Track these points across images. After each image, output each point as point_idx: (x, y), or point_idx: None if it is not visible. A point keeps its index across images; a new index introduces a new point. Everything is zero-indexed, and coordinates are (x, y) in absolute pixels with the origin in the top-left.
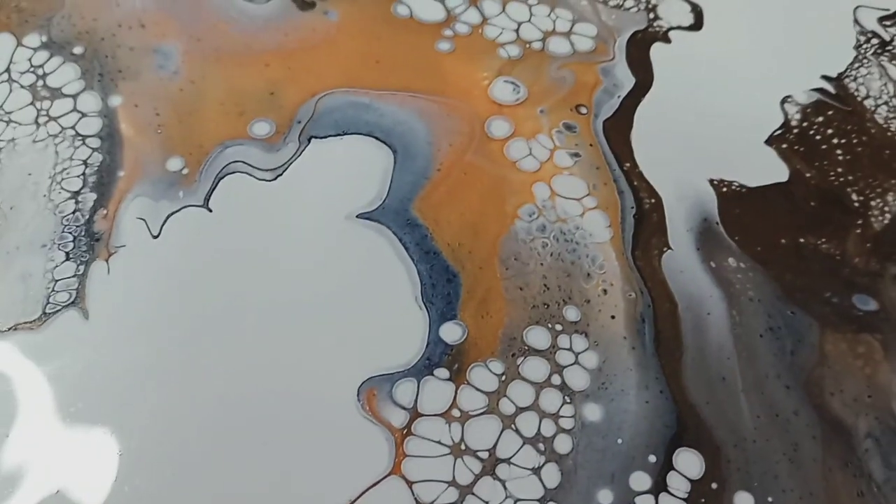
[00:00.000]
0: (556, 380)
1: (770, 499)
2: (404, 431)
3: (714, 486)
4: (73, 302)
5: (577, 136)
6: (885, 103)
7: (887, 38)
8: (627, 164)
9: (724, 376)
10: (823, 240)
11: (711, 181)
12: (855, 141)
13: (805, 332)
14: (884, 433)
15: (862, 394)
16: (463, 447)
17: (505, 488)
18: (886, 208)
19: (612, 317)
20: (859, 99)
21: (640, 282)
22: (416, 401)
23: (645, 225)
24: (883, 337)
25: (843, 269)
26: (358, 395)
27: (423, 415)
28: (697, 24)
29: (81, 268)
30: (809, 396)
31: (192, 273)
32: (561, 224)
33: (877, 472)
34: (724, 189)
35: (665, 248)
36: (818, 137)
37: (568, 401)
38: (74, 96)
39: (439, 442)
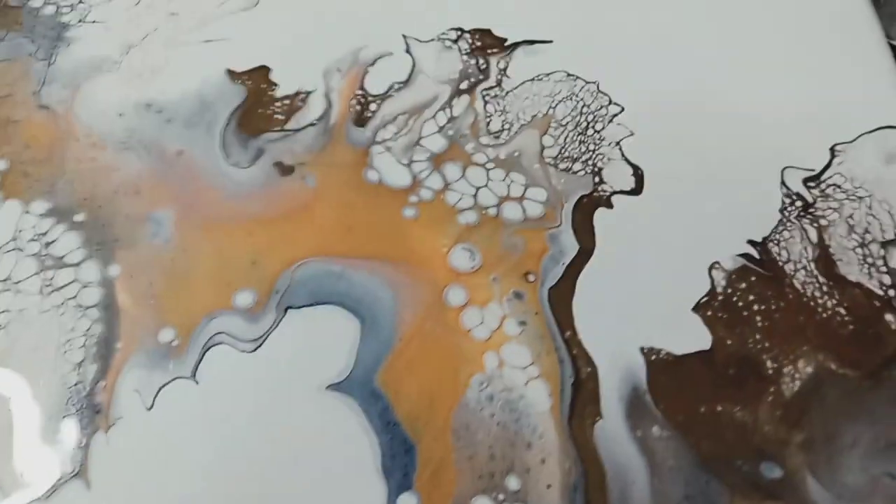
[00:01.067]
0: None
1: None
2: None
3: None
4: (76, 473)
5: (524, 304)
6: (804, 268)
7: (810, 200)
8: (569, 333)
9: None
10: (738, 407)
11: (642, 349)
12: (773, 307)
13: (717, 500)
14: None
15: None
16: None
17: None
18: (797, 375)
19: (549, 486)
20: (780, 263)
21: (575, 452)
22: None
23: (581, 394)
24: None
25: (754, 436)
26: None
27: None
28: (638, 189)
29: (84, 440)
30: None
31: (180, 443)
32: (507, 393)
33: None
34: (654, 357)
35: (598, 418)
36: (740, 304)
37: None
38: (76, 266)
39: None
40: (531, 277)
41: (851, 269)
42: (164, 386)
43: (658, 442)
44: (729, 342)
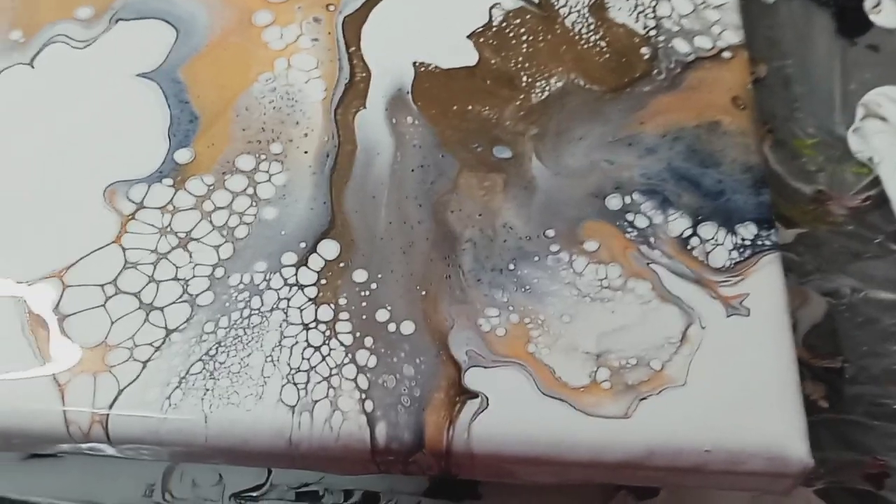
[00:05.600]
0: (249, 190)
1: (380, 275)
2: (129, 216)
3: (342, 265)
4: None
5: (320, 27)
6: (577, 12)
7: None
8: (353, 49)
9: (375, 195)
10: (487, 108)
11: (414, 63)
12: (540, 38)
13: (447, 169)
14: (481, 239)
15: (475, 213)
16: (168, 230)
17: (190, 256)
18: (548, 88)
19: (306, 152)
20: (556, 7)
21: (335, 130)
22: (143, 198)
23: (352, 91)
24: (507, 177)
25: (494, 129)
26: (104, 191)
27: (146, 207)
28: None
29: None
30: (434, 213)
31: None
32: (288, 87)
33: (466, 263)
34: (423, 69)
35: (361, 108)
36: (511, 34)
37: (253, 205)
38: None
39: (152, 225)
40: (331, 7)
41: (622, 14)
42: (3, 70)
43: (409, 128)
44: (493, 62)
